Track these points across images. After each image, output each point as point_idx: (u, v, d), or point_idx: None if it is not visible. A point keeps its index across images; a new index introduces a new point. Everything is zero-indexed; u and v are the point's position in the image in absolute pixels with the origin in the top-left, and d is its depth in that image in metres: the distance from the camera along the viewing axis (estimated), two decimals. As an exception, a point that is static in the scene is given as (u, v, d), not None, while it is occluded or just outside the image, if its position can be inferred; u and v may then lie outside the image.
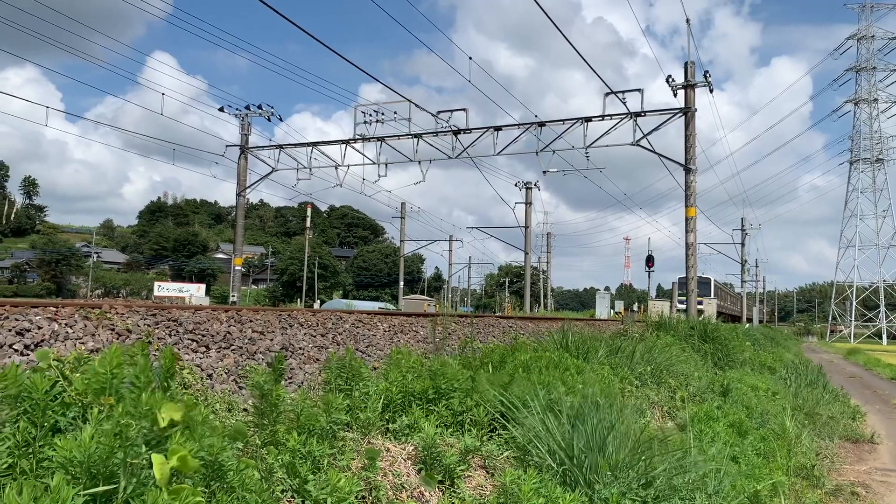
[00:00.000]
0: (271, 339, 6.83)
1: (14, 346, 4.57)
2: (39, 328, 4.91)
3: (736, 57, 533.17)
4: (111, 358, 2.67)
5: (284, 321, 7.71)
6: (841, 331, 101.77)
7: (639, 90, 25.68)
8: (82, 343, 5.01)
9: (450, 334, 10.06)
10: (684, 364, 12.77)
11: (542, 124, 27.82)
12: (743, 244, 70.01)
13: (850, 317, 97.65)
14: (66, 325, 5.16)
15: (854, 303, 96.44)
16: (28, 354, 4.52)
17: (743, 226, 70.08)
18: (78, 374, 3.14)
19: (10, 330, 4.72)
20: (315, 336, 7.65)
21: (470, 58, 24.14)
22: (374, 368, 6.51)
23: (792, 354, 32.49)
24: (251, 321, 7.19)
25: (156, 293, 72.18)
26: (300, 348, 7.00)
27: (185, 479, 2.48)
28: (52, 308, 5.54)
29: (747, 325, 51.10)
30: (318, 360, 6.86)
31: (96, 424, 2.43)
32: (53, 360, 4.08)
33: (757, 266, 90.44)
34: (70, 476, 2.18)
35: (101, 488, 2.18)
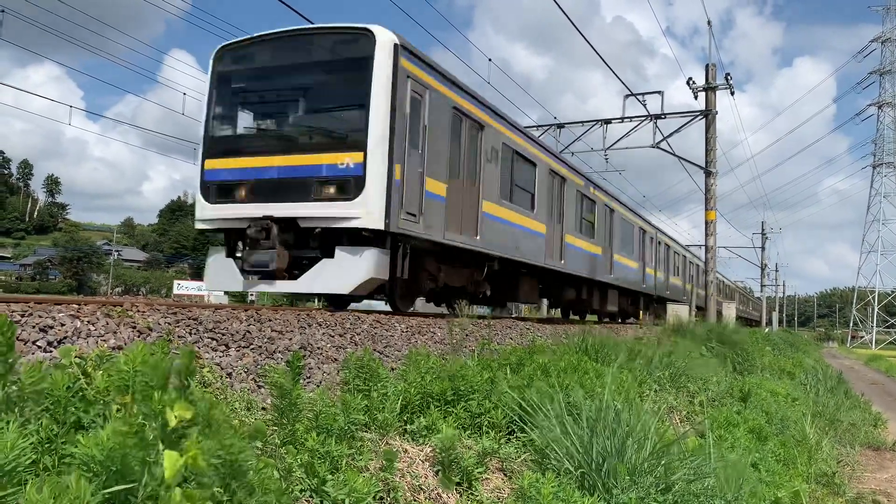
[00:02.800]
0: (290, 339, 6.84)
1: (37, 343, 4.61)
2: (62, 325, 4.95)
3: (757, 57, 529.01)
4: (134, 356, 2.68)
5: (303, 321, 7.73)
6: (862, 337, 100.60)
7: (659, 92, 25.60)
8: (104, 341, 5.05)
9: (467, 336, 10.05)
10: (703, 368, 12.68)
11: (561, 126, 27.76)
12: (763, 248, 69.44)
13: (872, 323, 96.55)
14: (88, 322, 5.20)
15: (876, 308, 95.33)
16: (51, 351, 4.57)
17: (763, 229, 69.56)
18: (100, 372, 3.17)
19: (33, 327, 4.76)
20: (333, 336, 7.67)
21: (489, 59, 24.08)
22: (392, 369, 6.52)
23: (812, 360, 32.16)
24: (270, 320, 7.21)
25: (175, 291, 72.74)
26: (318, 348, 7.02)
27: (204, 477, 2.49)
28: (74, 306, 5.58)
29: (767, 330, 50.58)
30: (336, 359, 6.87)
31: (115, 423, 2.45)
32: (76, 357, 4.10)
33: (777, 270, 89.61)
34: (91, 474, 2.19)
35: (118, 487, 2.19)
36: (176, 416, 2.28)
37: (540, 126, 28.18)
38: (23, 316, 4.93)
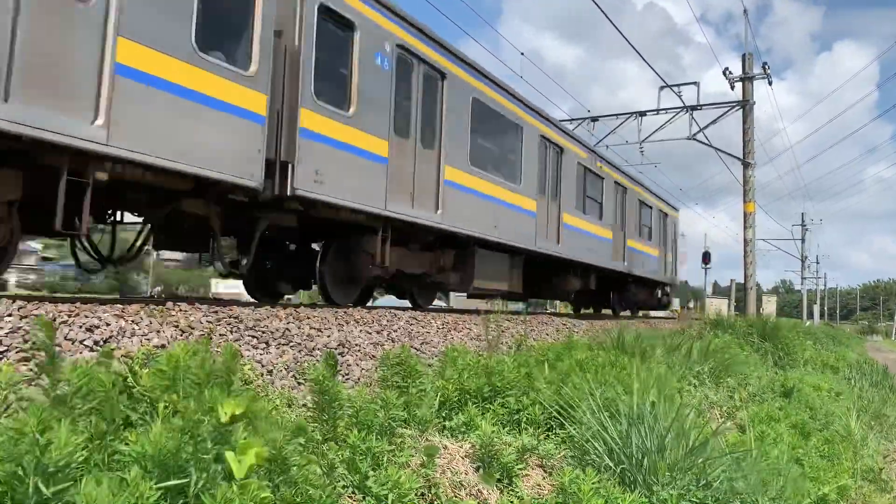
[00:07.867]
0: (328, 336, 6.91)
1: (84, 342, 4.72)
2: (108, 325, 5.06)
3: (795, 43, 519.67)
4: (178, 355, 2.73)
5: (341, 318, 7.80)
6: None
7: (695, 83, 25.28)
8: (148, 339, 5.15)
9: (503, 332, 10.05)
10: (743, 363, 12.49)
11: (595, 119, 27.57)
12: (803, 240, 68.13)
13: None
14: (132, 322, 5.31)
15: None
16: (97, 351, 4.67)
17: (803, 221, 68.20)
18: (146, 371, 3.23)
19: (80, 327, 4.88)
20: (370, 333, 7.72)
21: (522, 53, 24.00)
22: (430, 365, 6.55)
23: (855, 354, 31.46)
24: (308, 318, 7.29)
25: (213, 290, 73.68)
26: (356, 345, 7.08)
27: (251, 473, 2.53)
28: (118, 305, 5.71)
29: (808, 324, 49.64)
30: (373, 356, 6.92)
31: (165, 420, 2.50)
32: (122, 356, 4.19)
33: (818, 262, 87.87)
34: (143, 470, 2.24)
35: (173, 482, 2.24)
36: (226, 413, 2.32)
37: (574, 119, 28.00)
38: (70, 316, 5.05)
